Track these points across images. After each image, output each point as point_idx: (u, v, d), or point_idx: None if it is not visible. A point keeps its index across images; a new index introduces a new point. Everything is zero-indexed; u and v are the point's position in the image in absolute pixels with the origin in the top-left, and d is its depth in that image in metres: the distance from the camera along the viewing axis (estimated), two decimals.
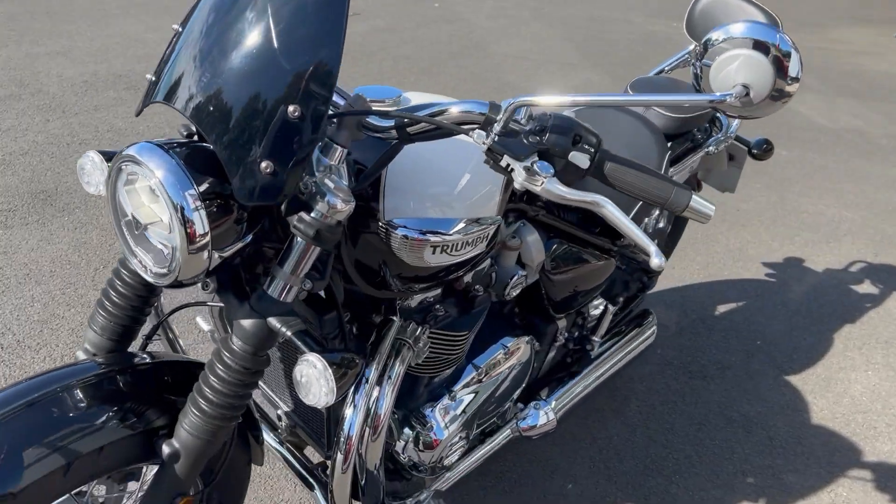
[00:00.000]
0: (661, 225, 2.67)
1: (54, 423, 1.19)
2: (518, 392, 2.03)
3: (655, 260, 1.11)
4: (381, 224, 1.32)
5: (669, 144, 2.30)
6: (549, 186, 1.10)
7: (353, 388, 1.43)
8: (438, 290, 1.62)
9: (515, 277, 1.78)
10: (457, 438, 1.79)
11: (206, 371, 1.23)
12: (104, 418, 1.24)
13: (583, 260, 2.02)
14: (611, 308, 2.26)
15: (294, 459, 1.81)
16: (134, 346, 1.41)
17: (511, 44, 6.93)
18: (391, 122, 1.23)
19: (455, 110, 1.19)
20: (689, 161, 2.34)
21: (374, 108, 1.15)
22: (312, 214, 1.15)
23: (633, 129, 2.17)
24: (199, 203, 1.06)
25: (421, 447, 1.72)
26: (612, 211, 1.13)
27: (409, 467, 1.77)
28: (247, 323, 1.20)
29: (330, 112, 1.22)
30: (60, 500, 1.23)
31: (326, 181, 1.15)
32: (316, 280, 1.22)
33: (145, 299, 1.35)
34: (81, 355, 1.34)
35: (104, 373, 1.30)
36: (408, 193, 1.34)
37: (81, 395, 1.25)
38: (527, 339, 1.94)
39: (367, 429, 1.50)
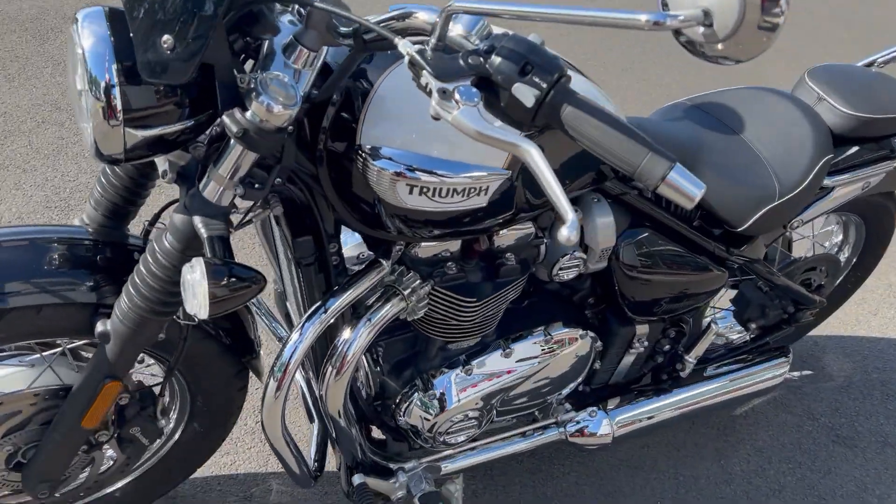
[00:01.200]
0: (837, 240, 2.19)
1: (8, 268, 1.24)
2: (567, 390, 1.78)
3: (564, 232, 0.85)
4: (355, 148, 1.18)
5: (846, 149, 1.84)
6: (461, 117, 0.88)
7: (307, 319, 1.31)
8: (455, 247, 1.43)
9: (568, 258, 1.54)
10: (464, 416, 1.61)
11: (140, 262, 1.19)
12: (60, 280, 1.26)
13: (677, 262, 1.69)
14: (715, 327, 1.88)
15: (307, 390, 1.75)
16: None
17: None
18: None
19: (418, 16, 1.00)
20: (868, 173, 1.85)
21: (340, 11, 1.00)
22: (247, 114, 1.04)
23: (790, 118, 1.75)
24: (117, 79, 1.00)
25: (420, 412, 1.57)
26: (535, 159, 0.88)
27: (406, 431, 1.62)
28: (177, 219, 1.13)
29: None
30: None
31: (270, 81, 1.03)
32: (251, 189, 1.12)
33: (137, 182, 1.34)
34: (76, 222, 1.37)
35: (80, 240, 1.32)
36: (393, 121, 1.18)
37: (51, 254, 1.28)
38: (584, 333, 1.68)
39: (331, 367, 1.38)
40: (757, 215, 1.67)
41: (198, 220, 1.10)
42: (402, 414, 1.59)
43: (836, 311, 2.57)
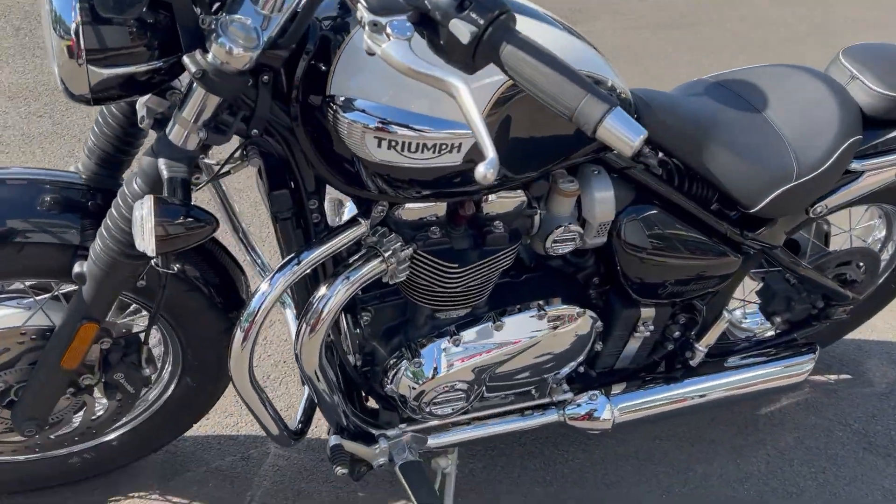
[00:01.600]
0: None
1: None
2: (566, 370, 1.73)
3: (481, 169, 0.82)
4: (326, 99, 1.17)
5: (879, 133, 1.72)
6: (390, 50, 0.85)
7: (279, 270, 1.31)
8: (441, 211, 1.41)
9: (562, 230, 1.49)
10: (451, 387, 1.58)
11: (112, 205, 1.21)
12: (46, 222, 1.30)
13: (684, 243, 1.62)
14: (728, 315, 1.79)
15: None
16: None
17: None
18: None
19: None
20: None
21: None
22: (207, 55, 1.05)
23: (817, 97, 1.65)
24: (80, 17, 1.02)
25: (407, 380, 1.55)
26: (461, 95, 0.84)
27: (394, 399, 1.61)
28: (144, 161, 1.15)
29: None
30: None
31: (231, 23, 1.03)
32: (214, 133, 1.12)
33: (127, 131, 1.36)
34: (72, 169, 1.41)
35: (72, 185, 1.36)
36: (364, 72, 1.16)
37: (43, 196, 1.32)
38: (582, 311, 1.63)
39: (305, 325, 1.37)
40: (771, 196, 1.58)
41: (161, 163, 1.11)
42: (389, 381, 1.58)
43: (885, 315, 2.42)
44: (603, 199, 1.51)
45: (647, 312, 1.72)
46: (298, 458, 1.90)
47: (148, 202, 1.04)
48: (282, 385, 2.09)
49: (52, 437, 1.58)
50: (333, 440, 1.51)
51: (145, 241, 1.05)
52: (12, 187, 1.32)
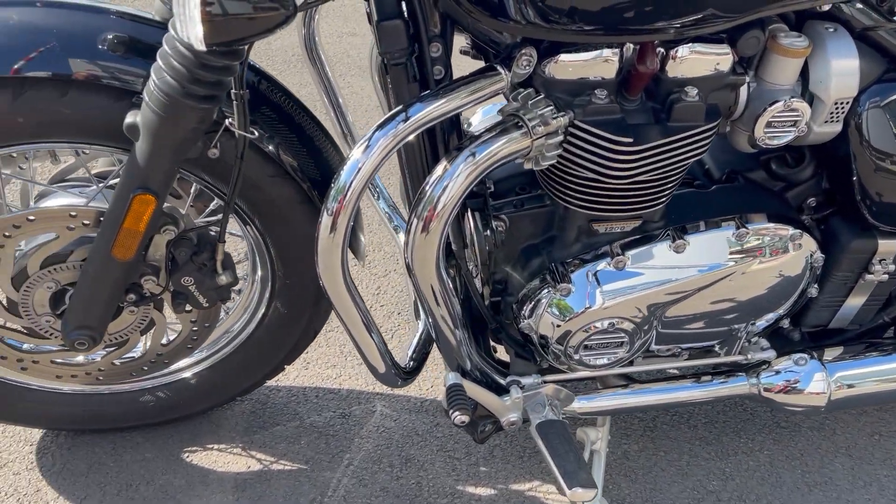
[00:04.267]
0: None
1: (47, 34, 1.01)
2: (763, 322, 1.28)
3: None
4: None
5: None
6: None
7: (379, 127, 0.95)
8: (609, 70, 1.01)
9: (781, 106, 1.06)
10: (610, 325, 1.17)
11: (170, 22, 0.91)
12: (103, 64, 1.02)
13: None
14: None
15: None
16: None
17: None
18: None
19: None
20: None
21: None
22: None
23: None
24: None
25: (548, 314, 1.17)
26: None
27: (531, 340, 1.22)
28: None
29: None
30: None
31: None
32: None
33: None
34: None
35: (144, 23, 1.07)
36: None
37: (104, 33, 1.04)
38: (797, 234, 1.18)
39: (416, 219, 1.01)
40: None
41: None
42: (526, 316, 1.20)
43: None
44: (842, 66, 1.06)
45: (888, 246, 1.24)
46: (409, 419, 1.55)
47: None
48: (394, 338, 1.75)
49: (116, 362, 1.31)
50: (452, 378, 1.13)
51: (189, 21, 0.73)
52: (76, 17, 1.05)
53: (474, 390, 1.15)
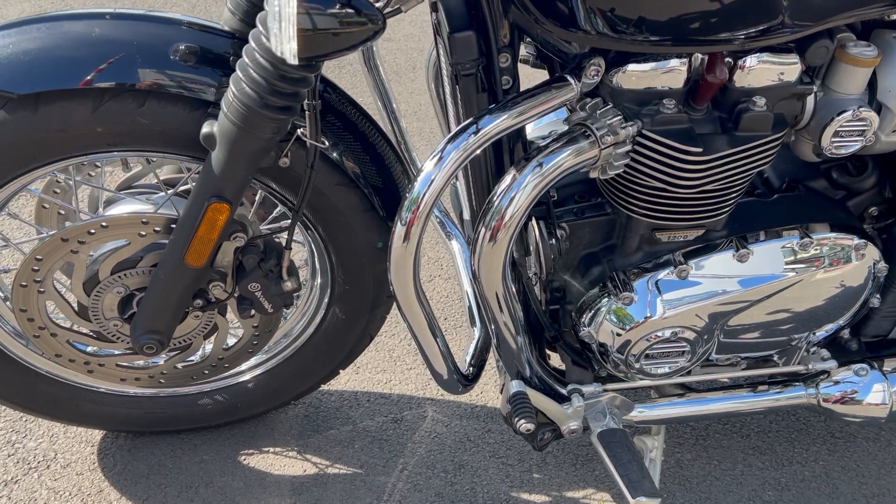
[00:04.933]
0: None
1: (122, 45, 1.04)
2: (823, 332, 1.27)
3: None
4: None
5: None
6: None
7: (450, 140, 0.96)
8: (677, 80, 1.01)
9: (849, 116, 1.05)
10: (672, 334, 1.17)
11: (251, 34, 0.93)
12: (176, 74, 1.04)
13: None
14: None
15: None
16: None
17: None
18: None
19: None
20: None
21: None
22: None
23: None
24: None
25: (608, 322, 1.17)
26: None
27: (590, 349, 1.23)
28: None
29: None
30: None
31: None
32: None
33: None
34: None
35: (214, 34, 1.10)
36: None
37: (177, 44, 1.06)
38: (862, 244, 1.17)
39: (484, 229, 1.02)
40: None
41: None
42: (586, 324, 1.20)
43: None
44: None
45: None
46: (460, 425, 1.56)
47: None
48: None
49: (179, 366, 1.33)
50: (516, 386, 1.14)
51: (284, 37, 0.74)
52: (149, 29, 1.07)
53: (537, 398, 1.16)
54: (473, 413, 1.59)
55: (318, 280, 1.34)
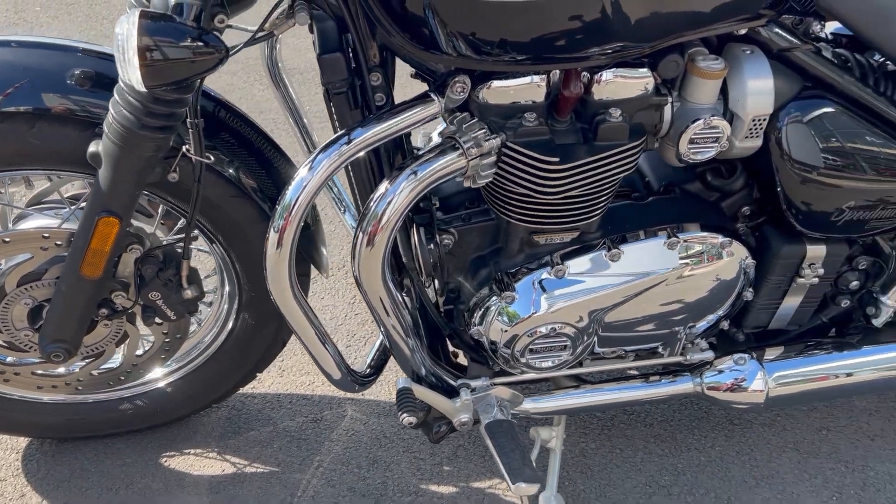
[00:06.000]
0: None
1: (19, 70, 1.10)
2: (703, 323, 1.36)
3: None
4: None
5: None
6: None
7: (323, 150, 1.03)
8: (538, 94, 1.09)
9: (701, 124, 1.14)
10: (552, 330, 1.25)
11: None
12: (70, 97, 1.11)
13: (873, 153, 1.22)
14: None
15: None
16: None
17: None
18: None
19: None
20: None
21: None
22: None
23: None
24: None
25: (496, 321, 1.24)
26: None
27: (482, 346, 1.30)
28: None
29: None
30: None
31: None
32: None
33: None
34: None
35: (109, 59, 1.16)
36: None
37: (74, 70, 1.13)
38: (727, 241, 1.26)
39: (361, 234, 1.09)
40: None
41: None
42: (476, 322, 1.27)
43: None
44: (757, 86, 1.14)
45: (816, 251, 1.32)
46: (378, 423, 1.63)
47: (133, 15, 0.80)
48: (366, 345, 1.83)
49: (94, 373, 1.39)
50: (402, 382, 1.22)
51: (128, 66, 0.81)
52: (44, 56, 1.14)
53: (424, 393, 1.23)
54: (391, 411, 1.66)
55: (227, 288, 1.40)
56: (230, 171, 1.19)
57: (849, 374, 1.42)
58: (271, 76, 1.41)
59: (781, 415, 1.68)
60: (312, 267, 1.38)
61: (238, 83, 2.67)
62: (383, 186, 1.08)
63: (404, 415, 1.17)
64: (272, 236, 1.05)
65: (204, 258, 1.50)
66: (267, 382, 1.71)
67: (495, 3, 0.95)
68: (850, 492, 1.52)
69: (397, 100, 1.11)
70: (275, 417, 1.64)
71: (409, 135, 1.25)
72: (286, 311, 1.14)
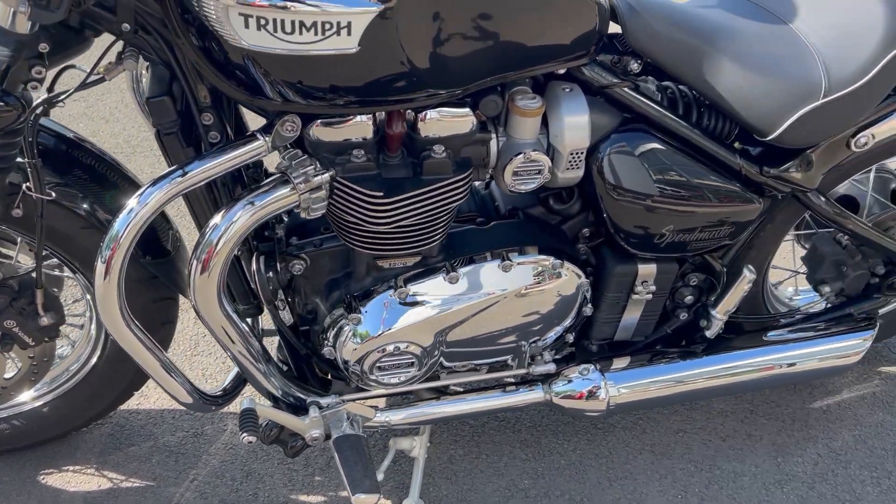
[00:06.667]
0: None
1: None
2: (549, 337, 1.45)
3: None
4: None
5: None
6: None
7: (153, 183, 1.10)
8: (367, 132, 1.16)
9: (522, 159, 1.23)
10: (396, 349, 1.33)
11: None
12: None
13: (686, 181, 1.32)
14: (749, 274, 1.45)
15: None
16: None
17: None
18: None
19: None
20: None
21: None
22: None
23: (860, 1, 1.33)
24: None
25: (348, 340, 1.32)
26: None
27: (337, 364, 1.37)
28: None
29: None
30: None
31: None
32: (39, 9, 0.92)
33: None
34: None
35: None
36: None
37: None
38: (559, 263, 1.35)
39: (195, 261, 1.16)
40: (792, 118, 1.26)
41: None
42: (329, 342, 1.35)
43: None
44: (573, 122, 1.23)
45: (647, 270, 1.42)
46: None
47: None
48: None
49: None
50: (246, 403, 1.29)
51: None
52: None
53: (270, 413, 1.31)
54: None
55: (94, 312, 1.45)
56: (78, 203, 1.24)
57: (684, 382, 1.53)
58: (138, 104, 1.47)
59: (643, 417, 1.79)
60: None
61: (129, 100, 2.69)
62: (218, 216, 1.15)
63: (244, 434, 1.24)
64: (100, 267, 1.11)
65: (70, 283, 1.55)
66: (152, 398, 1.76)
67: (307, 57, 1.02)
68: (695, 490, 1.64)
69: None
70: (156, 432, 1.69)
71: (260, 163, 1.32)
72: (121, 341, 1.21)
